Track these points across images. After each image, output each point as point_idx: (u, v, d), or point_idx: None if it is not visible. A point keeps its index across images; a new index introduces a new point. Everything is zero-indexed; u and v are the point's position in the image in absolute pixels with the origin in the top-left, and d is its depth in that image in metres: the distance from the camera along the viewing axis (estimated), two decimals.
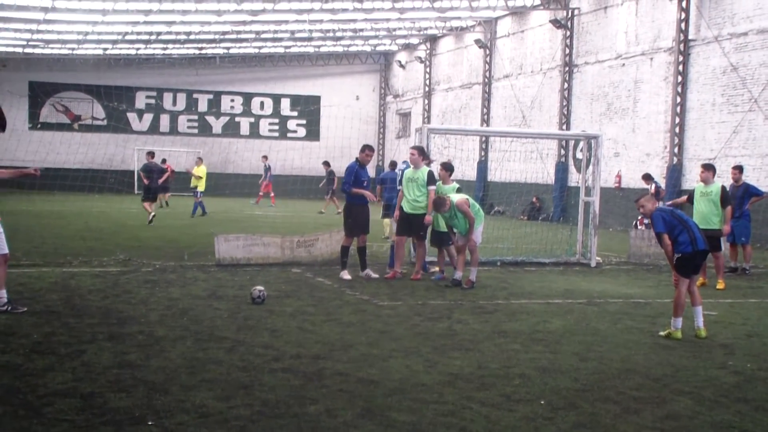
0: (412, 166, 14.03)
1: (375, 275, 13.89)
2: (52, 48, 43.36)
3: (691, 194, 14.92)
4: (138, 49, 44.82)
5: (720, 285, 14.03)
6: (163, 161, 35.18)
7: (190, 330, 9.07)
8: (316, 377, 7.19)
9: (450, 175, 14.27)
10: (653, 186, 23.80)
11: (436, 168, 15.07)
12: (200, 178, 29.28)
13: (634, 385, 7.32)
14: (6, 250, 9.85)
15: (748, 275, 16.27)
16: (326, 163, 34.64)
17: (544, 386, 7.15)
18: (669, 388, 7.23)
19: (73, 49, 43.52)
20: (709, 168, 14.89)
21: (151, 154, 26.68)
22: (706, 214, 14.16)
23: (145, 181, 25.04)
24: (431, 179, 13.77)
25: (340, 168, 45.99)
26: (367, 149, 14.06)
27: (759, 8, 24.01)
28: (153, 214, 23.90)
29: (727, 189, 15.13)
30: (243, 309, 10.50)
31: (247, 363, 7.62)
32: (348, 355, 8.07)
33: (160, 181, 26.02)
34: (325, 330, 9.33)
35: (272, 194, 36.49)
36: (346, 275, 13.66)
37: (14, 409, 6.05)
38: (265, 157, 37.55)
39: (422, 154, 14.09)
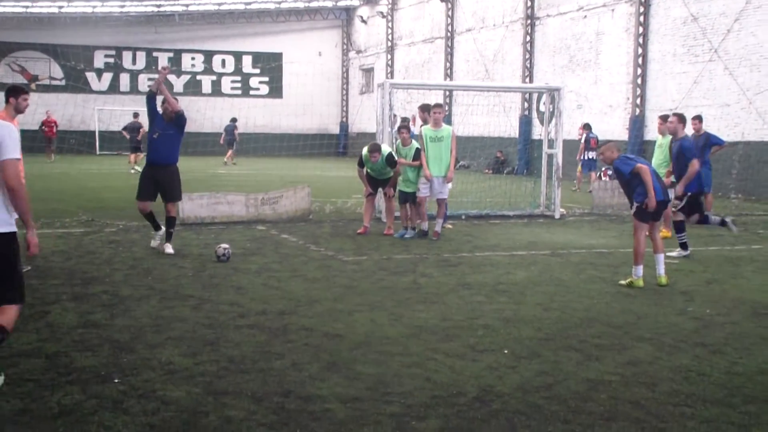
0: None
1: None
2: (5, 6, 42.26)
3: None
4: (94, 6, 43.91)
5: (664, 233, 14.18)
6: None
7: (155, 289, 9.05)
8: (281, 333, 7.22)
9: (409, 134, 14.09)
10: (584, 135, 23.88)
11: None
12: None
13: (596, 333, 7.44)
14: None
15: None
16: (234, 120, 37.55)
17: (507, 336, 7.25)
18: (630, 335, 7.37)
19: (27, 6, 42.50)
20: (665, 120, 15.04)
21: (135, 114, 31.47)
22: (656, 165, 14.26)
23: (127, 136, 30.57)
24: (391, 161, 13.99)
25: (305, 125, 46.07)
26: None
27: None
28: (134, 166, 27.80)
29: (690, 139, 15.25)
30: (208, 267, 10.49)
31: (213, 320, 7.63)
32: (313, 311, 8.11)
33: (138, 138, 29.03)
34: (290, 286, 9.35)
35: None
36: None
37: None
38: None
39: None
